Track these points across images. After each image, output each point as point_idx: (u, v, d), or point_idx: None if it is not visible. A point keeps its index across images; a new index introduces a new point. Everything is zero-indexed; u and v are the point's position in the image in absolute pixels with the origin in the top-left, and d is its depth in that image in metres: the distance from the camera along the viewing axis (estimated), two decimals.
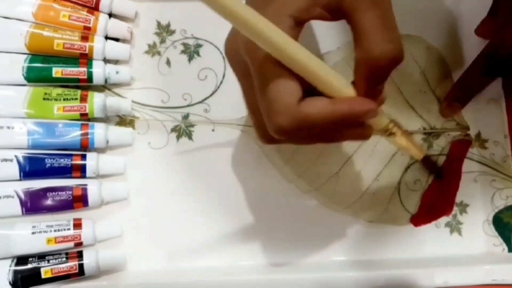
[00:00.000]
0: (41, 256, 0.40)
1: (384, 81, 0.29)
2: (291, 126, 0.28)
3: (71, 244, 0.40)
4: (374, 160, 0.45)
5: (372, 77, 0.28)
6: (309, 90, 0.29)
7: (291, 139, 0.30)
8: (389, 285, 0.42)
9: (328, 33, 0.46)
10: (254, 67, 0.29)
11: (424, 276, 0.42)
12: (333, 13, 0.29)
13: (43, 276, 0.39)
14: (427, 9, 0.47)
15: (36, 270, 0.39)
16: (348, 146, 0.45)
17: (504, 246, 0.45)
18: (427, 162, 0.44)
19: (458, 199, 0.45)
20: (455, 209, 0.45)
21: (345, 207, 0.44)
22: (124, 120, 0.44)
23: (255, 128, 0.32)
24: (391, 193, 0.45)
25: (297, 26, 0.29)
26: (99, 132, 0.42)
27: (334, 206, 0.44)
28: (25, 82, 0.42)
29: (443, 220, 0.45)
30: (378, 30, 0.27)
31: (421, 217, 0.45)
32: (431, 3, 0.47)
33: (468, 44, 0.46)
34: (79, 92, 0.42)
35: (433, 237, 0.44)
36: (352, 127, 0.30)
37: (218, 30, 0.44)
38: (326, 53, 0.45)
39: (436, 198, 0.45)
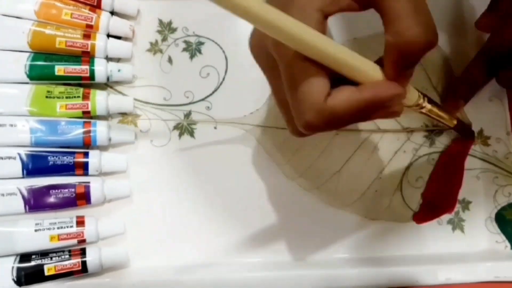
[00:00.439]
0: (44, 254, 0.40)
1: (415, 66, 0.28)
2: (318, 122, 0.28)
3: (74, 241, 0.40)
4: (376, 158, 0.45)
5: (403, 61, 0.28)
6: (338, 77, 0.29)
7: (321, 132, 0.30)
8: (391, 283, 0.42)
9: None
10: (282, 64, 0.29)
11: (426, 273, 0.42)
12: (361, 2, 0.28)
13: (46, 273, 0.39)
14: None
15: (39, 267, 0.39)
16: (350, 144, 0.44)
17: (507, 243, 0.45)
18: (460, 127, 0.43)
19: (460, 196, 0.45)
20: (458, 206, 0.45)
21: (347, 205, 0.44)
22: (126, 118, 0.44)
23: (285, 121, 0.32)
24: (393, 191, 0.45)
25: (324, 20, 0.28)
26: (101, 130, 0.42)
27: (336, 204, 0.44)
28: (27, 80, 0.42)
29: (446, 217, 0.45)
30: (411, 14, 0.26)
31: (423, 215, 0.44)
32: None
33: (470, 40, 0.46)
34: (81, 90, 0.42)
35: (435, 234, 0.44)
36: (382, 108, 0.29)
37: (219, 27, 0.45)
38: None
39: (438, 195, 0.45)
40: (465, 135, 0.45)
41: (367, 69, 0.28)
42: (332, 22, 0.29)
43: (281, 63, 0.29)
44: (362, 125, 0.45)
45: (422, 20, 0.26)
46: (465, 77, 0.44)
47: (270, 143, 0.44)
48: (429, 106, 0.34)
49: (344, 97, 0.28)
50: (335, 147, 0.44)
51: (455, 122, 0.41)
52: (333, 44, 0.27)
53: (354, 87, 0.28)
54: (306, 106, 0.28)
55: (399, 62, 0.28)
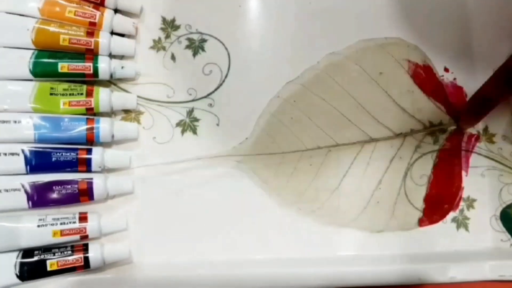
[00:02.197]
0: (47, 249, 0.40)
1: None
2: None
3: (77, 237, 0.40)
4: (372, 169, 0.44)
5: None
6: None
7: None
8: (394, 281, 0.42)
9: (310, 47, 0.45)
10: None
11: (430, 271, 0.42)
12: None
13: (49, 269, 0.39)
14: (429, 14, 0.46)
15: (42, 263, 0.39)
16: (344, 159, 0.44)
17: None
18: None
19: (465, 194, 0.45)
20: (462, 204, 0.45)
21: (350, 221, 0.44)
22: (129, 115, 0.44)
23: None
24: (395, 199, 0.44)
25: None
26: (104, 127, 0.42)
27: (339, 222, 0.44)
28: (31, 77, 0.42)
29: (450, 215, 0.44)
30: None
31: (428, 218, 0.44)
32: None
33: (477, 57, 0.46)
34: (84, 87, 0.42)
35: (439, 233, 0.44)
36: None
37: (223, 25, 0.45)
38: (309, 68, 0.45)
39: (441, 194, 0.44)
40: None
41: None
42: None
43: None
44: (354, 137, 0.44)
45: None
46: (480, 95, 0.43)
47: (265, 171, 0.44)
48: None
49: None
50: (329, 165, 0.44)
51: None
52: None
53: None
54: None
55: None
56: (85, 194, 0.41)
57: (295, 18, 0.45)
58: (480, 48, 0.46)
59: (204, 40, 0.45)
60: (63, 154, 0.41)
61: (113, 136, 0.42)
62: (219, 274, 0.42)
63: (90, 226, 0.41)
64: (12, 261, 0.39)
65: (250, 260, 0.43)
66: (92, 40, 0.42)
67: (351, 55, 0.45)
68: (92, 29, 0.43)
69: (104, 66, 0.42)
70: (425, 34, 0.46)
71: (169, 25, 0.45)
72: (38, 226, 0.40)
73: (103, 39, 0.43)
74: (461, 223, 0.44)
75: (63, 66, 0.42)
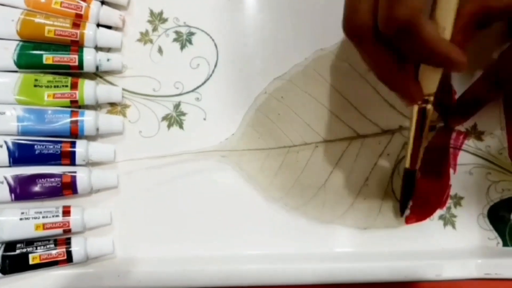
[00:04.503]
0: (29, 242, 0.40)
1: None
2: (404, 23, 0.29)
3: (60, 230, 0.40)
4: (359, 165, 0.44)
5: (476, 23, 0.30)
6: None
7: (383, 41, 0.31)
8: (380, 278, 0.42)
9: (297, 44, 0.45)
10: None
11: (416, 269, 0.42)
12: None
13: (31, 262, 0.39)
14: None
15: (24, 256, 0.39)
16: (331, 156, 0.44)
17: (499, 240, 0.44)
18: (409, 178, 0.41)
19: (452, 191, 0.44)
20: (449, 202, 0.44)
21: (337, 217, 0.43)
22: (115, 108, 0.43)
23: (347, 12, 0.33)
24: (382, 196, 0.44)
25: None
26: (89, 120, 0.41)
27: (326, 218, 0.43)
28: (16, 68, 0.41)
29: (437, 213, 0.44)
30: None
31: (415, 215, 0.44)
32: None
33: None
34: (69, 79, 0.42)
35: (426, 230, 0.44)
36: (406, 79, 0.33)
37: (211, 18, 0.44)
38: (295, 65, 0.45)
39: (428, 191, 0.44)
40: (402, 196, 0.43)
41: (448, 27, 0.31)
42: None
43: None
44: (341, 133, 0.44)
45: None
46: (469, 94, 0.42)
47: (250, 166, 0.43)
48: (430, 111, 0.36)
49: (434, 31, 0.30)
50: (316, 161, 0.44)
51: (414, 166, 0.39)
52: None
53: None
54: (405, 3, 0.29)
55: (471, 25, 0.30)
56: (69, 187, 0.41)
57: (284, 13, 0.45)
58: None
59: (192, 34, 0.44)
60: (47, 146, 0.40)
61: (97, 130, 0.42)
62: (205, 270, 0.41)
63: (74, 220, 0.40)
64: None
65: (236, 255, 0.42)
66: (78, 31, 0.42)
67: (339, 52, 0.44)
68: (78, 20, 0.42)
69: (90, 58, 0.42)
70: None
71: (157, 18, 0.44)
72: (21, 219, 0.40)
73: (89, 31, 0.42)
74: (448, 220, 0.44)
75: (48, 58, 0.41)
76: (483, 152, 0.45)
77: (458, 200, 0.44)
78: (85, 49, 0.42)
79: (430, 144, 0.44)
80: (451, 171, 0.45)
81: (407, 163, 0.39)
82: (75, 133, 0.41)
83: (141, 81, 0.44)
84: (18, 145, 0.40)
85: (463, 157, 0.45)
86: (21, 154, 0.40)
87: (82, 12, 0.42)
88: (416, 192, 0.43)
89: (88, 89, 0.42)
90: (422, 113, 0.36)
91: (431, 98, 0.35)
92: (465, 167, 0.45)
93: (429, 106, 0.36)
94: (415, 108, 0.36)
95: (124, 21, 0.44)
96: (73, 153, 0.41)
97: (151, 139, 0.43)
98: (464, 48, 0.31)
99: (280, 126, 0.44)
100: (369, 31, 0.32)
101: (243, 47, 0.44)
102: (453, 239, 0.44)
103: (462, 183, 0.44)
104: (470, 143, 0.45)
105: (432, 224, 0.44)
